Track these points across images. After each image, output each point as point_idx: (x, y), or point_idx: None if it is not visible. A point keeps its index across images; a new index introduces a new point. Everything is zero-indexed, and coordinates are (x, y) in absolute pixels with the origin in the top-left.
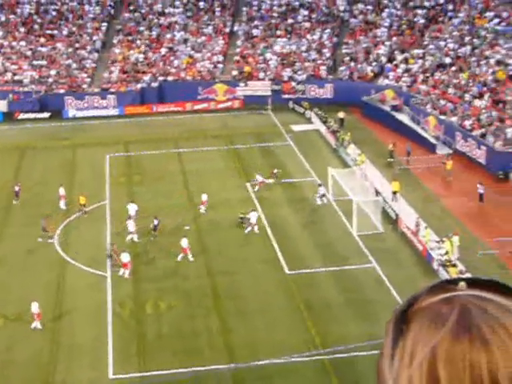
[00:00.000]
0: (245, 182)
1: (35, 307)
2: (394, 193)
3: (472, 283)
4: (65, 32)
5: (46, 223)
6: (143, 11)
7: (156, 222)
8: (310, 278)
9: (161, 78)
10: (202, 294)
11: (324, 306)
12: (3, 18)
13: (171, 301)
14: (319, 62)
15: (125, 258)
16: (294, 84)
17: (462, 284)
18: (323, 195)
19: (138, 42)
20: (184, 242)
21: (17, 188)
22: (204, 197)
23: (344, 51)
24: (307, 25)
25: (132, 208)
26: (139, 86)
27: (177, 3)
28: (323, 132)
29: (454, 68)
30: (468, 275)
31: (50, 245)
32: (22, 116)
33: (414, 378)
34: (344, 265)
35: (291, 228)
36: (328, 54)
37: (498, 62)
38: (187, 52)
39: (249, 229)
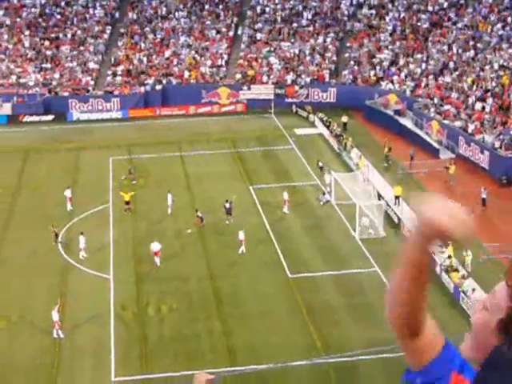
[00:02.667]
0: (248, 186)
1: (55, 315)
2: (397, 197)
3: None
4: (69, 35)
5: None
6: (147, 14)
7: (228, 205)
8: (311, 282)
9: (164, 81)
10: (204, 296)
11: (326, 309)
12: (8, 21)
13: (173, 303)
14: (323, 65)
15: (155, 246)
16: (297, 88)
17: None
18: (327, 201)
19: (142, 45)
20: (241, 235)
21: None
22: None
23: (347, 55)
24: (311, 29)
25: (169, 198)
26: (143, 89)
27: (181, 7)
28: (326, 136)
29: (457, 72)
30: (470, 280)
31: (53, 247)
32: (26, 119)
33: None
34: (346, 268)
35: (293, 231)
36: (331, 58)
37: (502, 67)
38: (191, 55)
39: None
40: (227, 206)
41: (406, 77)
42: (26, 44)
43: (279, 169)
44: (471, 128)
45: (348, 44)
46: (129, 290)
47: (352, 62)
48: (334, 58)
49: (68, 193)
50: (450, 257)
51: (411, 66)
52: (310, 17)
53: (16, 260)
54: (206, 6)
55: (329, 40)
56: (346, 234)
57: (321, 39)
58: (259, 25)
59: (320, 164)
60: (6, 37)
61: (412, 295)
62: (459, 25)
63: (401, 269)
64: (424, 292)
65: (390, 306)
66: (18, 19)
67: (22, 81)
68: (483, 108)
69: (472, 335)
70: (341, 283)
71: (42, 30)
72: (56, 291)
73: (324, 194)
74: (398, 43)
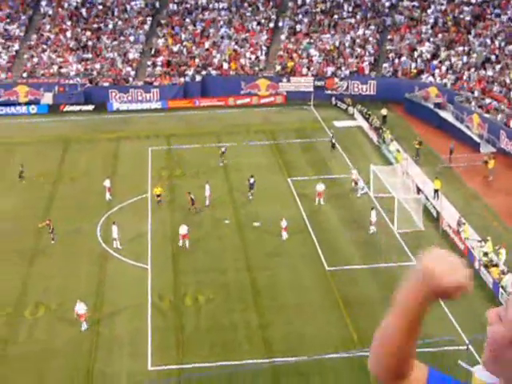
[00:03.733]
0: (286, 178)
1: (81, 307)
2: (436, 191)
3: None
4: (110, 26)
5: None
6: (188, 5)
7: (252, 180)
8: (349, 275)
9: (204, 72)
10: (241, 287)
11: (363, 303)
12: (51, 12)
13: (210, 294)
14: (363, 58)
15: (183, 229)
16: (336, 80)
17: None
18: (363, 188)
19: (182, 35)
20: (284, 223)
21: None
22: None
23: (388, 48)
24: (352, 20)
25: (207, 188)
26: (182, 80)
27: None
28: (365, 128)
29: (499, 66)
30: (510, 275)
31: (93, 237)
32: (67, 108)
33: None
34: (384, 262)
35: (331, 224)
36: (372, 51)
37: None
38: (231, 46)
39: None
40: (251, 181)
41: (447, 70)
42: (68, 34)
43: (317, 161)
44: None
45: (389, 36)
46: (166, 280)
47: (392, 55)
48: (375, 51)
49: (107, 183)
50: (486, 254)
51: (453, 59)
52: (350, 9)
53: (56, 248)
54: None
55: (369, 32)
56: (385, 227)
57: (361, 31)
58: (299, 16)
59: (333, 140)
60: (48, 27)
61: (402, 346)
62: (502, 18)
63: (393, 318)
64: (415, 341)
65: (376, 356)
66: (60, 9)
67: (63, 71)
68: None
69: (488, 348)
70: (378, 277)
71: (83, 20)
72: (95, 280)
73: (358, 184)
74: (439, 35)
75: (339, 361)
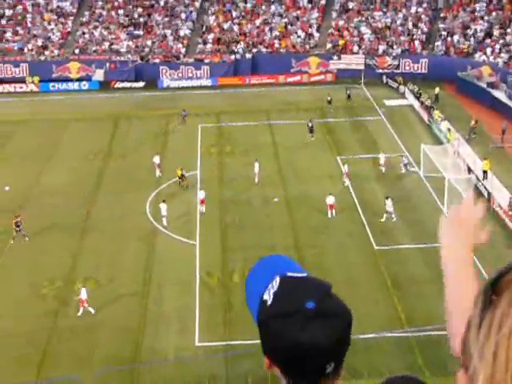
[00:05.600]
0: (335, 156)
1: (84, 293)
2: (485, 172)
3: None
4: (162, 2)
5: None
6: None
7: (310, 124)
8: (397, 254)
9: (254, 50)
10: None
11: (411, 282)
12: None
13: None
14: (415, 36)
15: (201, 195)
16: (388, 58)
17: None
18: (407, 164)
19: (234, 13)
20: (330, 199)
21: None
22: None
23: (441, 26)
24: None
25: (256, 166)
26: (233, 57)
27: None
28: (416, 107)
29: None
30: None
31: (142, 213)
32: (117, 85)
33: (501, 345)
34: (433, 242)
35: (380, 203)
36: (424, 29)
37: None
38: (282, 24)
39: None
40: (310, 124)
41: (500, 48)
42: (120, 11)
43: (367, 139)
44: None
45: (442, 14)
46: (214, 257)
47: (445, 33)
48: (427, 29)
49: (157, 159)
50: None
51: (507, 38)
52: None
53: (106, 224)
54: None
55: (422, 10)
56: (434, 207)
57: (414, 9)
58: None
59: (310, 124)
60: (100, 4)
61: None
62: None
63: (454, 282)
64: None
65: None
66: None
67: (114, 47)
68: None
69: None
70: (427, 257)
71: None
72: (143, 256)
73: (405, 159)
74: (493, 14)
75: (386, 340)
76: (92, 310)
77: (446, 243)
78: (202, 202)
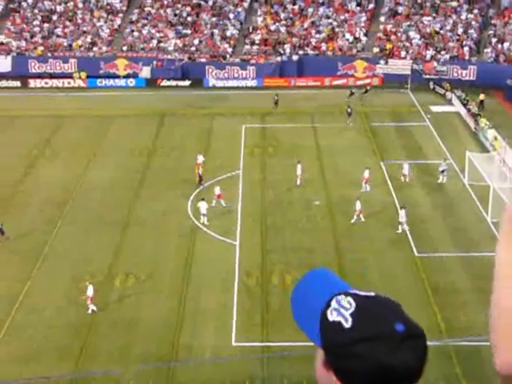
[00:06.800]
0: (379, 161)
1: (90, 290)
2: None
3: None
4: (210, 2)
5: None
6: None
7: (349, 110)
8: (439, 262)
9: (301, 52)
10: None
11: (452, 291)
12: None
13: (297, 274)
14: (464, 42)
15: (217, 190)
16: (435, 64)
17: None
18: (443, 171)
19: (282, 14)
20: (358, 205)
21: None
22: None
23: (490, 32)
24: (454, 4)
25: (299, 168)
26: (279, 58)
27: None
28: (463, 114)
29: None
30: None
31: (183, 210)
32: (164, 83)
33: None
34: (476, 251)
35: (422, 210)
36: (474, 35)
37: None
38: (330, 27)
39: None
40: (349, 110)
41: None
42: (168, 10)
43: (412, 145)
44: None
45: (492, 21)
46: (254, 258)
47: (495, 40)
48: (477, 35)
49: (200, 159)
50: None
51: None
52: None
53: (147, 220)
54: None
55: (472, 16)
56: (478, 216)
57: (464, 15)
58: None
59: (349, 110)
60: (149, 1)
61: None
62: None
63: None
64: None
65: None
66: None
67: (161, 45)
68: None
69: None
70: (469, 266)
71: None
72: (184, 253)
73: (443, 165)
74: None
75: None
76: (94, 308)
77: (506, 243)
78: (219, 196)
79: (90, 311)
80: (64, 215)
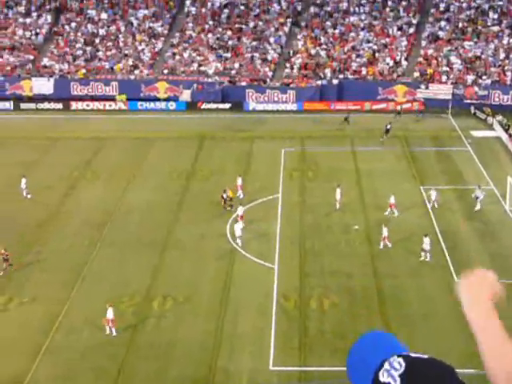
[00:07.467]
0: (419, 185)
1: (110, 313)
2: None
3: None
4: (251, 25)
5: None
6: (329, 9)
7: (389, 126)
8: None
9: (341, 76)
10: (367, 294)
11: None
12: (194, 11)
13: (335, 298)
14: (505, 67)
15: (240, 211)
16: (477, 89)
17: None
18: (477, 198)
19: (322, 38)
20: (385, 231)
21: None
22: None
23: None
24: (496, 29)
25: (338, 192)
26: (319, 82)
27: (363, 2)
28: (504, 140)
29: None
30: None
31: (221, 233)
32: (204, 106)
33: None
34: None
35: (464, 235)
36: None
37: None
38: (370, 51)
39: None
40: (388, 127)
41: None
42: (209, 34)
43: (452, 170)
44: None
45: None
46: (292, 282)
47: None
48: None
49: (239, 181)
50: None
51: None
52: (495, 16)
53: (186, 243)
54: (389, 3)
55: None
56: None
57: (506, 40)
58: (442, 23)
59: (388, 126)
60: (190, 25)
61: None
62: None
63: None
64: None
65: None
66: (204, 9)
67: (202, 69)
68: None
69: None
70: (509, 292)
71: (225, 20)
72: (222, 276)
73: (478, 192)
74: None
75: (465, 377)
76: (114, 332)
77: (467, 304)
78: (241, 217)
79: (107, 332)
80: (103, 237)
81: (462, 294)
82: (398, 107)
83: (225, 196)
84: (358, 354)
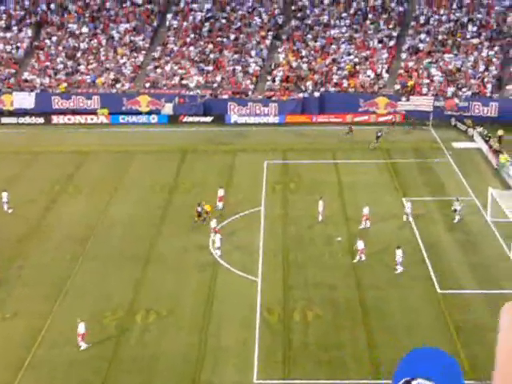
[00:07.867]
0: (400, 197)
1: (82, 327)
2: None
3: None
4: (232, 39)
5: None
6: (310, 22)
7: (380, 133)
8: (462, 299)
9: (322, 89)
10: (350, 306)
11: (475, 329)
12: (176, 24)
13: (318, 311)
14: (485, 79)
15: (213, 223)
16: (457, 101)
17: None
18: (455, 210)
19: (303, 51)
20: (360, 244)
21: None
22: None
23: None
24: (475, 41)
25: (320, 204)
26: (301, 95)
27: (344, 15)
28: (485, 151)
29: None
30: None
31: (204, 247)
32: (186, 119)
33: None
34: (499, 288)
35: (445, 247)
36: (495, 72)
37: None
38: (351, 63)
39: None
40: (379, 134)
41: None
42: (191, 47)
43: (434, 182)
44: None
45: None
46: (275, 294)
47: None
48: (498, 72)
49: (221, 192)
50: None
51: None
52: (475, 29)
53: (168, 256)
54: (370, 16)
55: (493, 53)
56: (501, 253)
57: (485, 52)
58: (422, 35)
59: (379, 133)
60: (172, 39)
61: None
62: None
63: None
64: None
65: None
66: (185, 23)
67: (184, 82)
68: None
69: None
70: (493, 303)
71: (206, 33)
72: (205, 289)
73: (456, 205)
74: None
75: None
76: (84, 346)
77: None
78: (215, 230)
79: (82, 347)
80: (86, 251)
81: (503, 315)
82: (393, 118)
83: (199, 209)
84: (400, 371)
